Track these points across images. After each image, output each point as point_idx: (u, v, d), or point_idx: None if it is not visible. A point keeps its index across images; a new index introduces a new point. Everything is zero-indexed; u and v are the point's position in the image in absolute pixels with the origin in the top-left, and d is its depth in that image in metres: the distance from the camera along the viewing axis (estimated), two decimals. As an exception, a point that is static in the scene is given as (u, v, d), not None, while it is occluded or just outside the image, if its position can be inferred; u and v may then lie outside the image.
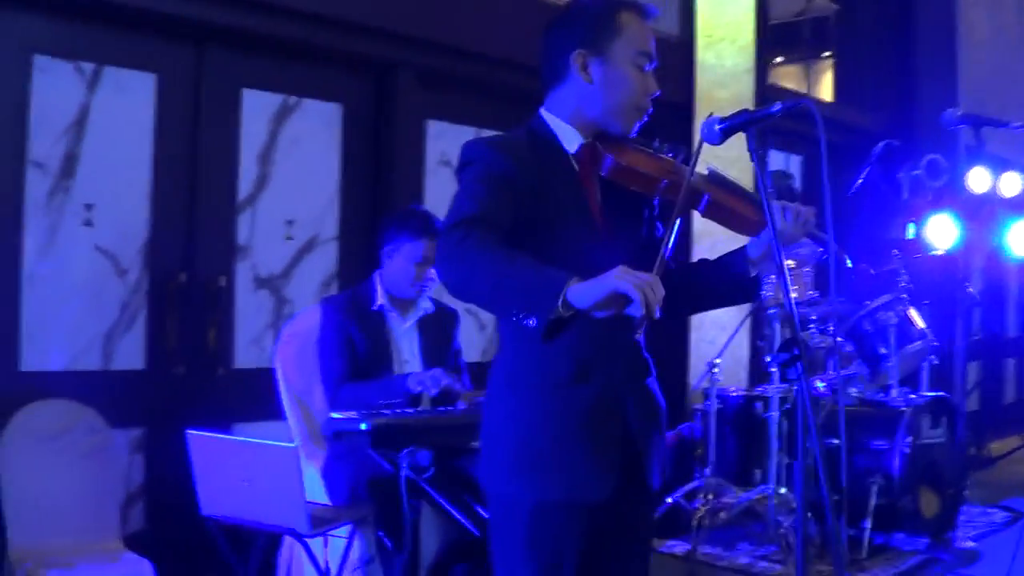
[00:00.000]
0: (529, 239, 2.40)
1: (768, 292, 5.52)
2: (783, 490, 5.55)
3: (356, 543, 4.15)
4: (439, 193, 5.90)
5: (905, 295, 6.01)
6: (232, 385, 5.14)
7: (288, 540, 4.37)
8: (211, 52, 5.10)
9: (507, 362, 2.60)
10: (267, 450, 3.79)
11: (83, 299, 4.71)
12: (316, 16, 5.21)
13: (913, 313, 6.07)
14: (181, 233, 5.01)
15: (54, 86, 4.61)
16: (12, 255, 4.50)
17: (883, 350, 5.89)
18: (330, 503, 4.21)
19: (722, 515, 5.64)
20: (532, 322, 2.14)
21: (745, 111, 2.49)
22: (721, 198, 2.62)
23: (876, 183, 6.95)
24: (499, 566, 2.58)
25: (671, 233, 2.37)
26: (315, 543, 4.06)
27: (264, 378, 4.75)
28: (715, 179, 2.67)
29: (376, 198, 5.73)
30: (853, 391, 5.96)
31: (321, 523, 3.96)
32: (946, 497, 5.89)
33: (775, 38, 8.49)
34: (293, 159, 5.42)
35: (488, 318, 6.21)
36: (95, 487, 4.41)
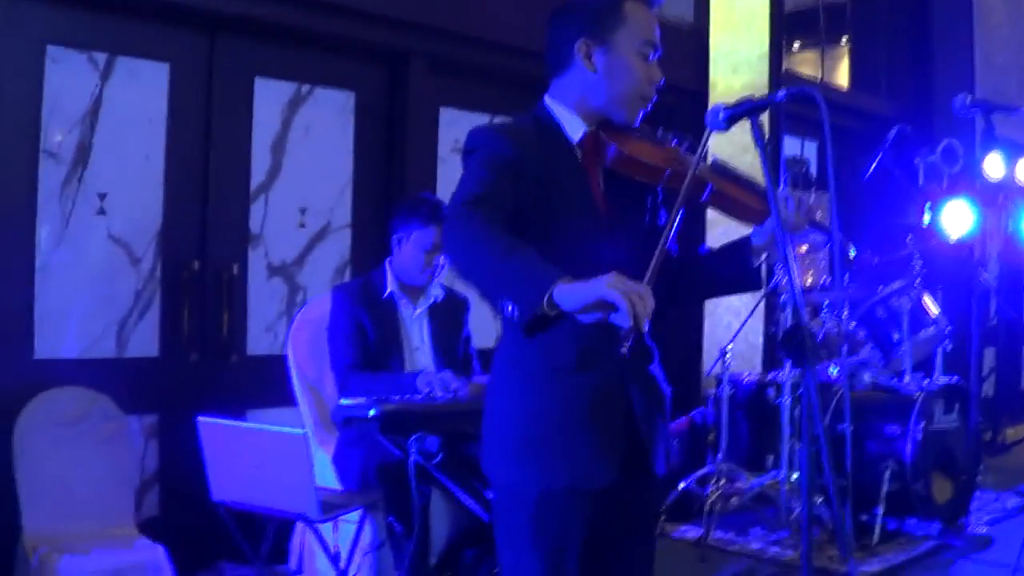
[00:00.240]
0: (532, 226, 2.41)
1: (782, 278, 5.53)
2: (795, 475, 5.54)
3: (367, 528, 4.18)
4: (452, 181, 5.77)
5: (919, 281, 6.00)
6: (245, 372, 5.17)
7: (300, 525, 4.41)
8: (223, 41, 5.12)
9: (510, 348, 2.60)
10: (277, 437, 3.83)
11: (97, 288, 4.74)
12: (328, 4, 5.23)
13: (927, 299, 6.06)
14: (194, 222, 5.04)
15: (67, 76, 4.63)
16: (26, 244, 4.53)
17: (896, 336, 5.88)
18: (341, 488, 4.24)
19: (734, 500, 5.66)
20: (515, 314, 2.14)
21: (749, 98, 2.49)
22: (724, 188, 2.63)
23: (891, 169, 6.93)
24: (504, 552, 2.59)
25: (672, 225, 2.38)
26: (325, 528, 4.10)
27: (277, 365, 4.78)
28: (718, 169, 2.68)
29: (389, 186, 5.74)
30: (866, 376, 5.96)
31: (332, 508, 3.99)
32: (959, 483, 5.89)
33: (791, 24, 8.46)
34: (306, 147, 5.44)
35: (501, 305, 6.20)
36: (110, 473, 4.44)
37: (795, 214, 2.60)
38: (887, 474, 5.53)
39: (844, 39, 9.95)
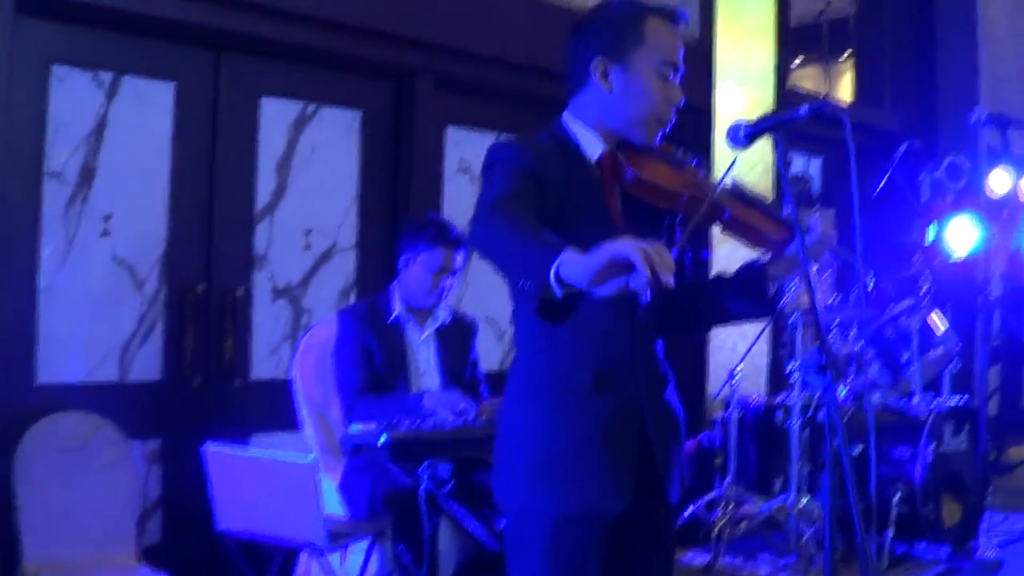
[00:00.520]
0: None
1: (789, 299, 5.48)
2: (804, 500, 5.50)
3: (374, 557, 4.13)
4: (458, 200, 5.87)
5: (927, 300, 5.96)
6: (249, 396, 5.11)
7: (304, 555, 4.36)
8: (229, 60, 5.08)
9: (523, 370, 2.56)
10: (285, 466, 3.78)
11: (100, 310, 4.69)
12: (334, 23, 5.18)
13: (935, 318, 6.02)
14: (199, 243, 4.99)
15: (72, 96, 4.59)
16: (29, 266, 4.48)
17: (905, 356, 5.84)
18: (348, 516, 4.19)
19: (742, 525, 5.60)
20: (529, 288, 2.01)
21: (771, 115, 2.47)
22: (742, 214, 2.58)
23: (897, 185, 6.90)
24: (516, 579, 2.55)
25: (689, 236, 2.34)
26: (333, 557, 4.04)
27: (281, 389, 4.73)
28: (737, 193, 2.63)
29: (395, 206, 5.69)
30: (875, 397, 5.91)
31: (339, 537, 3.95)
32: (968, 505, 5.84)
33: (794, 39, 8.42)
34: (312, 167, 5.39)
35: (507, 327, 6.17)
36: (112, 500, 4.39)
37: (820, 241, 2.56)
38: (896, 497, 5.48)
39: (846, 54, 9.92)
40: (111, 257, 4.72)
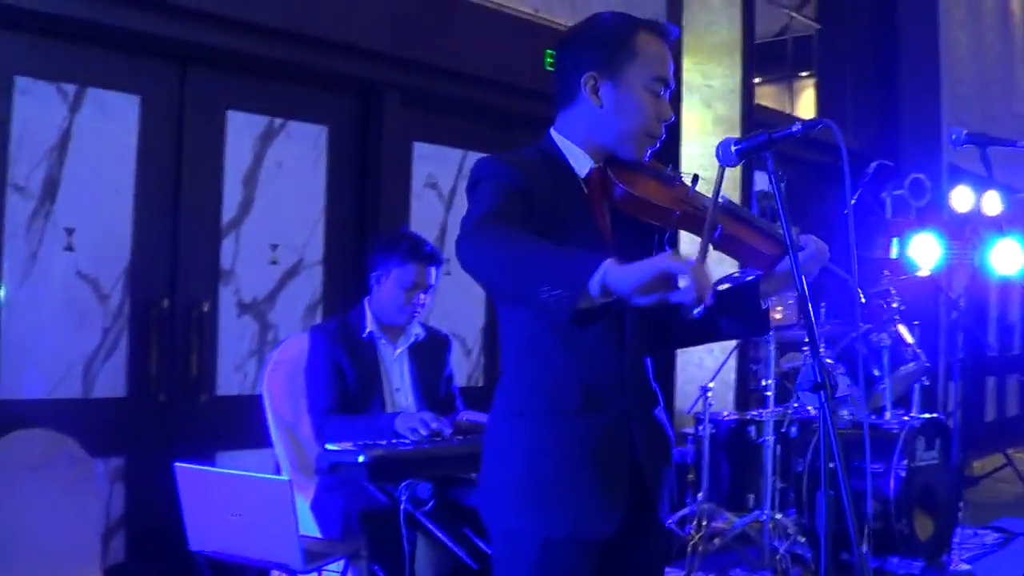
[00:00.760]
0: None
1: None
2: (777, 515, 5.48)
3: (349, 578, 4.05)
4: (425, 215, 5.82)
5: (897, 316, 5.98)
6: (215, 412, 5.04)
7: (275, 574, 4.27)
8: (195, 73, 5.02)
9: (510, 389, 2.50)
10: (259, 484, 3.71)
11: (63, 325, 4.60)
12: (301, 37, 5.14)
13: (902, 329, 6.03)
14: (164, 258, 4.92)
15: (36, 108, 4.52)
16: (-9, 280, 4.39)
17: (876, 372, 5.84)
18: (321, 536, 4.11)
19: (716, 541, 5.57)
20: (554, 297, 1.97)
21: (764, 132, 2.40)
22: (734, 231, 2.53)
23: (862, 202, 6.93)
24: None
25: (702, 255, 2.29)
26: (307, 578, 3.96)
27: (248, 405, 4.67)
28: (728, 210, 2.58)
29: (362, 221, 5.65)
30: (845, 414, 5.91)
31: (313, 558, 3.85)
32: (940, 520, 5.85)
33: (757, 57, 8.45)
34: (278, 182, 5.33)
35: (474, 343, 6.13)
36: (75, 518, 4.30)
37: (813, 258, 2.51)
38: (870, 513, 5.47)
39: (806, 72, 9.96)
40: (75, 271, 4.63)
